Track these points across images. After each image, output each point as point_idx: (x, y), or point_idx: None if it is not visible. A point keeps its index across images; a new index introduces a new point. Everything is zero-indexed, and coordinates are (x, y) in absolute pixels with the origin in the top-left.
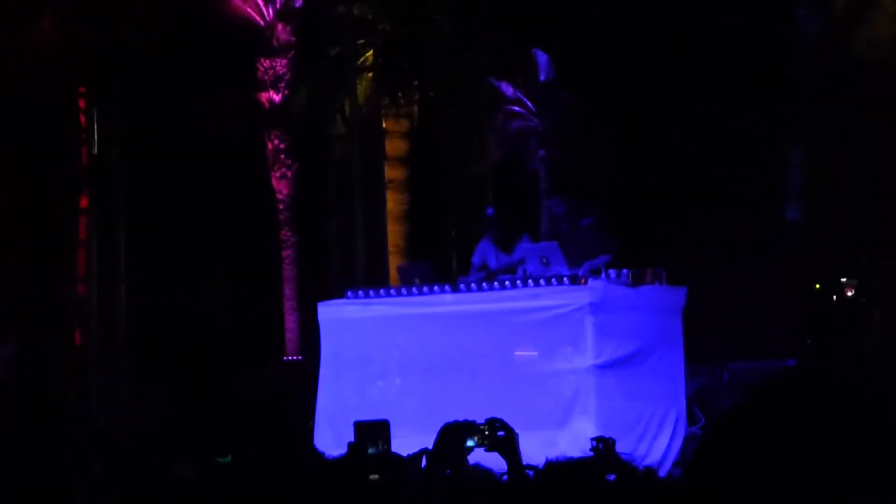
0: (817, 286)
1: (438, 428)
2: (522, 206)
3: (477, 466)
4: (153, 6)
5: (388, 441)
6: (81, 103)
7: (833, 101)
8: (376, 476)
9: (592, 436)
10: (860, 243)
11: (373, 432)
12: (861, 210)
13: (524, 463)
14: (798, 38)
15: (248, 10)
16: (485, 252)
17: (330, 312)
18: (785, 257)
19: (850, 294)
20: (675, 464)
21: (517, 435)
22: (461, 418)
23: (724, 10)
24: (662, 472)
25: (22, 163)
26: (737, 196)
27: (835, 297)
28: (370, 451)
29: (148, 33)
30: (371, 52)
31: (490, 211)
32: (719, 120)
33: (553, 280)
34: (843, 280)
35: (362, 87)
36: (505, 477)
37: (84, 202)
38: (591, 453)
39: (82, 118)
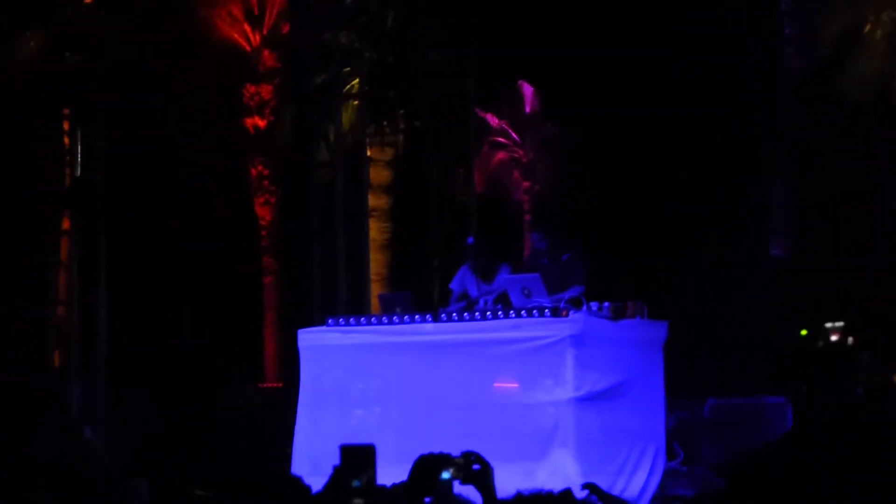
0: (804, 332)
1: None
2: (505, 235)
3: (459, 497)
4: (140, 30)
5: (373, 466)
6: (65, 125)
7: (820, 138)
8: (360, 501)
9: (574, 471)
10: (846, 282)
11: (358, 457)
12: (847, 247)
13: (500, 497)
14: (786, 75)
15: (235, 35)
16: (465, 280)
17: (310, 339)
18: (769, 294)
19: (835, 338)
20: (652, 499)
21: (492, 469)
22: (439, 449)
23: (712, 47)
24: None
25: (4, 183)
26: (723, 232)
27: (821, 342)
28: (355, 478)
29: (134, 56)
30: (357, 80)
31: (471, 239)
32: (707, 155)
33: (535, 311)
34: (829, 325)
35: (347, 114)
36: None
37: (66, 223)
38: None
39: (66, 139)
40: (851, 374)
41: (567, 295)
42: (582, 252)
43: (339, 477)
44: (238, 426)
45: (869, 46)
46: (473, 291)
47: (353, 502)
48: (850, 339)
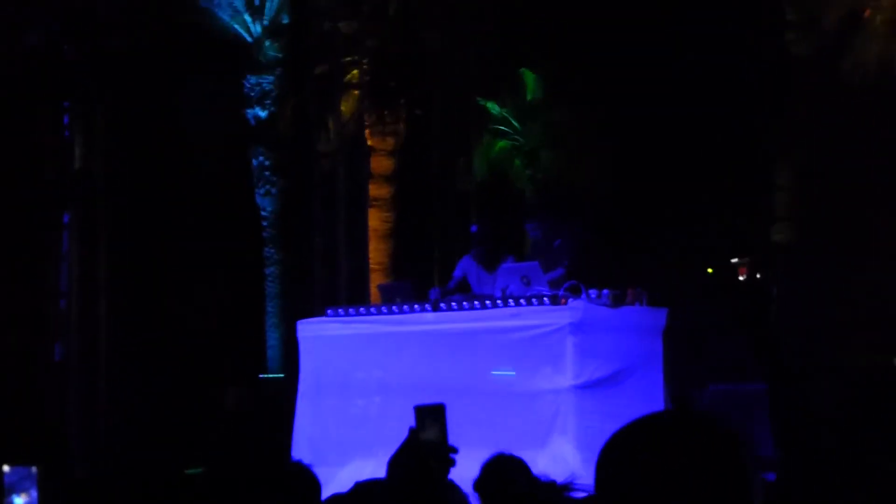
0: (710, 270)
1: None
2: (507, 225)
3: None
4: (139, 21)
5: (444, 424)
6: (65, 117)
7: (822, 123)
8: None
9: (574, 459)
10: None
11: (430, 416)
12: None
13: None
14: (787, 59)
15: (236, 26)
16: (466, 268)
17: (310, 330)
18: (771, 278)
19: (743, 276)
20: None
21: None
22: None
23: (715, 32)
24: None
25: (4, 175)
26: (724, 218)
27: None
28: (428, 435)
29: (134, 47)
30: (356, 69)
31: (474, 227)
32: (706, 142)
33: (533, 300)
34: (735, 260)
35: (348, 104)
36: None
37: (66, 216)
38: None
39: (66, 131)
40: (765, 307)
41: (550, 276)
42: (575, 234)
43: (414, 436)
44: (239, 417)
45: (869, 31)
46: (474, 281)
47: (430, 464)
48: (758, 275)
